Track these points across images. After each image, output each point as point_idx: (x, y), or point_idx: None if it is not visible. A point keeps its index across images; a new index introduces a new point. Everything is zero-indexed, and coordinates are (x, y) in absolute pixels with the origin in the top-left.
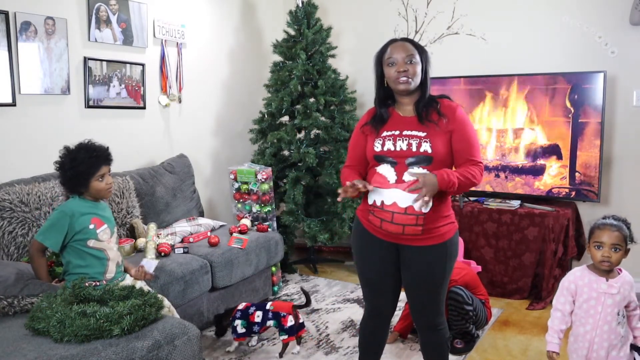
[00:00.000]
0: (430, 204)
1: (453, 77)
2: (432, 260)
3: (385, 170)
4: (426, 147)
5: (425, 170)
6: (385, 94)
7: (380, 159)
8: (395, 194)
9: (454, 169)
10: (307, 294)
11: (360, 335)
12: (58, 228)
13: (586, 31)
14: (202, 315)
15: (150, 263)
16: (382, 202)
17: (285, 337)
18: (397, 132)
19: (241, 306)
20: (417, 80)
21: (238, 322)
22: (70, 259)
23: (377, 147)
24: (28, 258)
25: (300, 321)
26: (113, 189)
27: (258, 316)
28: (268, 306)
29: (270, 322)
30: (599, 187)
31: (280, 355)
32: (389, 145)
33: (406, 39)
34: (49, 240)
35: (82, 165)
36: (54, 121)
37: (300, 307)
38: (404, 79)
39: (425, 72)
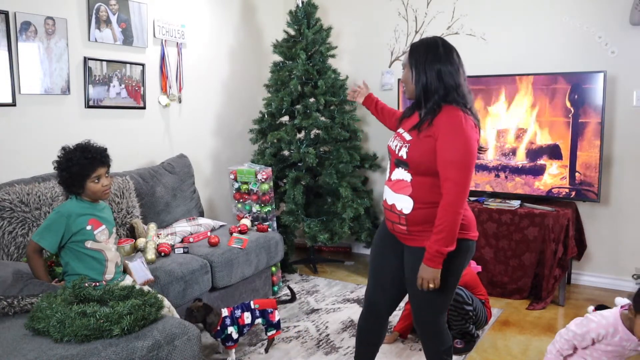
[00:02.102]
0: (411, 206)
1: None
2: (418, 262)
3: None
4: (403, 152)
5: None
6: None
7: (389, 153)
8: (386, 191)
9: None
10: (291, 290)
11: (357, 331)
12: (55, 229)
13: (586, 31)
14: None
15: (135, 266)
16: (385, 198)
17: (274, 331)
18: (401, 131)
19: (225, 312)
20: (409, 86)
21: (232, 330)
22: (69, 260)
23: (389, 141)
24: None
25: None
26: (111, 190)
27: (247, 317)
28: (252, 305)
29: (259, 320)
30: (599, 187)
31: (266, 350)
32: (393, 141)
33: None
34: (45, 241)
35: (76, 166)
36: (54, 121)
37: (284, 302)
38: (403, 86)
39: (417, 75)
